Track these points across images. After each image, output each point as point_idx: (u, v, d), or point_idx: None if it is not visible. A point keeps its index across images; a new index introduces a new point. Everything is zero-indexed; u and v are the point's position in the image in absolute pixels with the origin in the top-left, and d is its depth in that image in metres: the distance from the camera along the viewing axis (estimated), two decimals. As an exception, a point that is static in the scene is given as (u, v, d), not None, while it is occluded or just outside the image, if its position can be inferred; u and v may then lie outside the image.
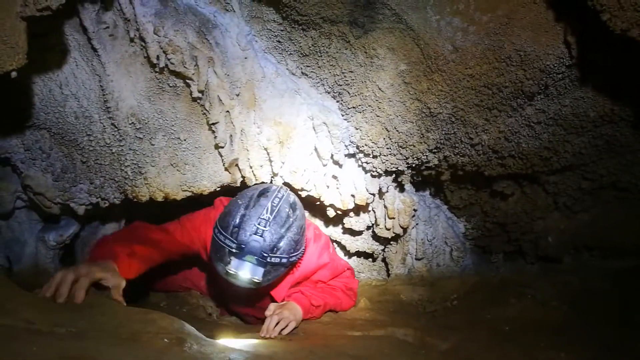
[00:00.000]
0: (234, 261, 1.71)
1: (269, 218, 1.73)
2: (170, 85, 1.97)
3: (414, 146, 1.99)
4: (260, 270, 1.72)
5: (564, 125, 1.91)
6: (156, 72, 1.93)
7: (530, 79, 1.71)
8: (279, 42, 1.89)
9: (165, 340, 1.25)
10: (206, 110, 1.95)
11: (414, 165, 2.13)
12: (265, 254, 1.71)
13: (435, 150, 2.04)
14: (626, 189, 2.19)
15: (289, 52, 1.91)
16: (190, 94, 1.95)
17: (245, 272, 1.71)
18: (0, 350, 0.94)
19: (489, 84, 1.75)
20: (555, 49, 1.62)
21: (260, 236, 1.71)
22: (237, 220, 1.73)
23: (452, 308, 2.49)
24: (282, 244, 1.75)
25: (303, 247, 1.91)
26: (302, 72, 1.95)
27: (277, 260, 1.75)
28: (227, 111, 1.93)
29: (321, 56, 1.87)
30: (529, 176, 2.21)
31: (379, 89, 1.86)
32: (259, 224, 1.71)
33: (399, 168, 2.11)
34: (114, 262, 1.73)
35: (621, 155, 2.03)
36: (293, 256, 1.82)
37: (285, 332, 1.85)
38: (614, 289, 2.39)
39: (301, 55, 1.90)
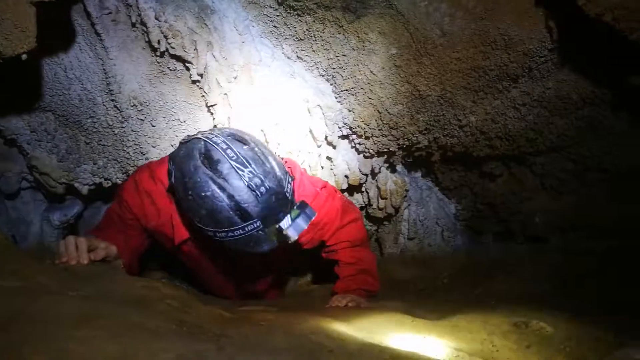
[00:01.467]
0: (270, 230, 1.48)
1: (250, 176, 1.44)
2: (171, 68, 2.05)
3: (405, 127, 2.08)
4: (291, 211, 1.50)
5: (548, 107, 2.00)
6: (157, 56, 2.01)
7: (514, 62, 1.80)
8: (275, 27, 1.97)
9: (169, 303, 1.34)
10: (205, 92, 2.04)
11: (404, 146, 2.22)
12: (282, 196, 1.48)
13: (425, 132, 2.12)
14: (608, 171, 2.28)
15: (284, 37, 1.99)
16: (190, 77, 2.04)
17: (290, 229, 1.49)
18: (28, 307, 1.04)
19: (476, 67, 1.84)
20: (537, 33, 1.71)
21: (266, 194, 1.44)
22: (231, 209, 1.43)
23: (442, 286, 2.59)
24: (277, 173, 1.50)
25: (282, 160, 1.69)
26: (297, 56, 2.03)
27: (289, 189, 1.54)
28: (225, 93, 2.01)
29: (315, 40, 1.95)
30: (516, 157, 2.30)
31: (371, 72, 1.94)
32: (250, 182, 1.43)
33: (390, 149, 2.20)
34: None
35: (603, 137, 2.12)
36: (288, 175, 1.58)
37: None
38: (597, 267, 2.48)
39: (296, 40, 1.98)
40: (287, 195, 1.51)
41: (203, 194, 1.43)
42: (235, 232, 1.46)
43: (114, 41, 1.98)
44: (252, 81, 2.02)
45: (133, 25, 1.96)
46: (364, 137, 2.18)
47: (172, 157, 1.57)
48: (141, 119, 2.15)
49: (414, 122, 2.07)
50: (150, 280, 1.50)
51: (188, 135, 1.58)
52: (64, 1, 1.62)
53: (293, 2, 1.85)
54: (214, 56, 1.97)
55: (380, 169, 2.38)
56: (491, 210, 2.66)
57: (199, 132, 1.61)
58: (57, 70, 2.03)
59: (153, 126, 2.18)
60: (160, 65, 2.05)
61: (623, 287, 2.21)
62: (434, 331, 1.78)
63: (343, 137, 2.25)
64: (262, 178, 1.44)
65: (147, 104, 2.11)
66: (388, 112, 2.04)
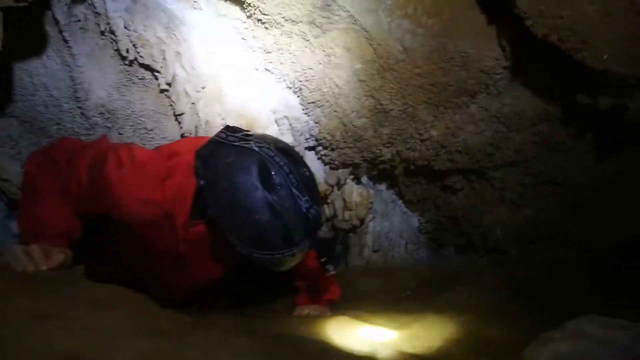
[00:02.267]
0: (302, 254, 1.45)
1: (306, 195, 1.38)
2: (139, 77, 2.07)
3: (369, 140, 2.15)
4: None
5: (505, 122, 2.09)
6: (126, 64, 2.03)
7: (472, 78, 1.89)
8: (243, 39, 2.02)
9: (129, 305, 1.34)
10: (173, 101, 2.06)
11: (369, 159, 2.28)
12: (321, 222, 1.47)
13: (388, 145, 2.19)
14: (562, 184, 2.39)
15: (252, 49, 2.04)
16: (158, 86, 2.06)
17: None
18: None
19: (436, 82, 1.92)
20: (492, 52, 1.80)
21: (316, 219, 1.40)
22: (281, 234, 1.37)
23: (405, 297, 2.64)
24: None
25: None
26: (265, 68, 2.08)
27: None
28: (193, 103, 2.04)
29: (283, 53, 2.01)
30: (476, 171, 2.39)
31: (337, 85, 2.00)
32: (307, 213, 1.38)
33: (355, 161, 2.26)
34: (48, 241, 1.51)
35: (557, 153, 2.23)
36: None
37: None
38: (552, 277, 2.58)
39: (264, 52, 2.03)
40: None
41: (257, 217, 1.35)
42: (273, 255, 1.40)
43: (82, 49, 1.99)
44: (220, 91, 2.05)
45: (102, 33, 1.98)
46: (329, 149, 2.23)
47: (210, 160, 1.44)
48: (108, 127, 2.15)
49: (377, 135, 2.13)
50: (110, 285, 1.49)
51: (225, 132, 1.47)
52: (32, 7, 1.63)
53: (261, 15, 1.90)
54: (182, 66, 2.00)
55: (345, 180, 2.43)
56: (453, 223, 2.73)
57: (240, 133, 1.47)
58: (22, 75, 2.02)
59: (120, 134, 2.18)
60: (129, 74, 2.07)
61: (577, 295, 2.31)
62: (393, 338, 1.82)
63: (310, 148, 2.30)
64: (317, 208, 1.40)
65: (115, 112, 2.12)
66: (353, 125, 2.10)
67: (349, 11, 1.83)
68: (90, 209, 1.55)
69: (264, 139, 1.44)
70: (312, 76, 2.03)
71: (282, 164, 1.37)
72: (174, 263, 1.75)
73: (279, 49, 2.01)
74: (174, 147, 1.61)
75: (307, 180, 1.41)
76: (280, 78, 2.10)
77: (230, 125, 1.55)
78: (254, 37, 2.01)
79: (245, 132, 1.49)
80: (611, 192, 2.36)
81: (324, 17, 1.86)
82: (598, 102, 1.70)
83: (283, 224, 1.35)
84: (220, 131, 1.50)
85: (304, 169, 1.43)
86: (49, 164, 1.53)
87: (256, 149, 1.39)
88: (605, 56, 1.48)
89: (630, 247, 2.52)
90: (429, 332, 1.91)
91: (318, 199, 1.44)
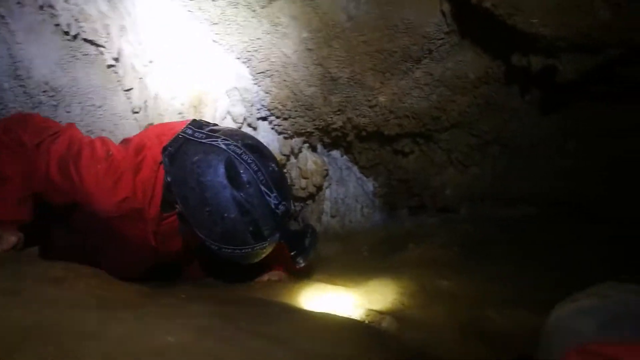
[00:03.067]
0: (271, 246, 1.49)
1: (275, 192, 1.41)
2: (84, 53, 2.03)
3: (319, 108, 2.19)
4: None
5: (449, 86, 2.18)
6: (68, 39, 1.98)
7: (415, 44, 1.95)
8: (190, 11, 2.00)
9: (87, 281, 1.36)
10: (120, 77, 2.04)
11: (320, 127, 2.33)
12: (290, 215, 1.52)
13: (338, 112, 2.24)
14: (506, 144, 2.52)
15: (199, 21, 2.03)
16: (105, 61, 2.02)
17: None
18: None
19: (381, 49, 1.97)
20: (433, 17, 1.86)
21: (282, 215, 1.44)
22: (249, 231, 1.41)
23: (362, 259, 2.75)
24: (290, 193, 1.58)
25: None
26: (212, 40, 2.07)
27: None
28: (141, 78, 2.02)
29: (230, 24, 2.00)
30: (424, 135, 2.48)
31: (285, 55, 2.03)
32: (275, 209, 1.42)
33: (307, 129, 2.31)
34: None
35: (499, 113, 2.34)
36: None
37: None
38: (501, 234, 2.74)
39: (211, 24, 2.02)
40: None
41: (225, 215, 1.37)
42: (242, 250, 1.43)
43: (20, 24, 1.93)
44: (168, 65, 2.04)
45: (40, 8, 1.92)
46: (281, 119, 2.26)
47: (177, 157, 1.45)
48: (54, 105, 2.11)
49: (327, 103, 2.18)
50: (67, 263, 1.51)
51: (191, 128, 1.48)
52: (-38, -18, 1.57)
53: (206, -14, 1.89)
54: (128, 41, 1.98)
55: (300, 149, 2.48)
56: (405, 185, 2.84)
57: (207, 128, 1.50)
58: (-43, 55, 1.95)
59: (67, 112, 2.14)
60: (72, 50, 2.02)
61: (523, 251, 2.46)
62: (350, 295, 1.92)
63: (262, 118, 2.33)
64: (286, 204, 1.42)
65: (60, 89, 2.08)
66: (303, 94, 2.14)
67: (293, -20, 1.84)
68: (56, 198, 1.52)
69: (231, 135, 1.45)
70: (260, 46, 2.04)
71: (249, 161, 1.38)
72: (141, 249, 1.75)
73: (225, 20, 2.00)
74: (140, 140, 1.58)
75: (276, 176, 1.42)
76: (228, 49, 2.10)
77: (197, 119, 1.56)
78: (200, 9, 1.99)
79: (212, 128, 1.50)
80: (550, 149, 2.51)
81: (269, -13, 1.87)
82: (531, 63, 1.80)
83: (252, 220, 1.38)
84: (187, 126, 1.50)
85: (273, 165, 1.44)
86: (15, 145, 1.47)
87: (223, 146, 1.40)
88: (535, 20, 1.56)
89: (569, 203, 2.69)
90: (385, 287, 2.02)
91: (287, 194, 1.46)
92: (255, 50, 2.06)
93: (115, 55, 1.99)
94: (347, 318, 1.60)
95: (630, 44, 1.62)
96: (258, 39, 2.02)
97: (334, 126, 2.34)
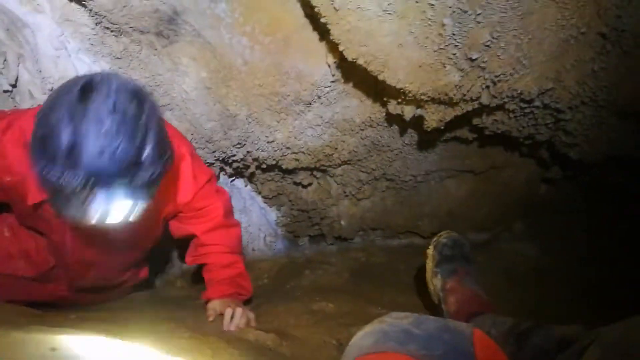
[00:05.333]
0: (90, 199, 1.21)
1: (112, 127, 1.19)
2: (-21, 78, 2.04)
3: (219, 142, 2.33)
4: (129, 199, 1.26)
5: (339, 128, 2.40)
6: (-38, 64, 1.98)
7: (305, 90, 2.15)
8: (92, 44, 2.09)
9: None
10: (17, 103, 2.06)
11: (221, 159, 2.47)
12: (126, 177, 1.23)
13: (238, 146, 2.40)
14: (392, 180, 2.79)
15: (102, 55, 2.11)
16: (1, 86, 2.04)
17: (111, 209, 1.25)
18: None
19: (275, 92, 2.16)
20: (320, 68, 2.09)
21: (112, 156, 1.19)
22: (66, 141, 1.17)
23: (262, 285, 2.89)
24: (143, 156, 1.25)
25: (170, 150, 1.39)
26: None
27: (146, 177, 1.27)
28: (39, 105, 2.05)
29: (132, 60, 2.11)
30: (320, 169, 2.69)
31: (185, 91, 2.16)
32: (104, 140, 1.19)
33: (208, 160, 2.43)
34: None
35: (384, 153, 2.60)
36: (162, 165, 1.32)
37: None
38: (388, 261, 2.99)
39: (114, 58, 2.12)
40: (141, 176, 1.25)
41: (51, 114, 1.22)
42: (52, 169, 1.19)
43: None
44: (69, 95, 2.09)
45: None
46: (182, 150, 2.37)
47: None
48: (-56, 128, 2.08)
49: (227, 137, 2.32)
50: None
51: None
52: None
53: (109, 24, 1.99)
54: (26, 68, 2.02)
55: (201, 179, 2.59)
56: (306, 215, 3.03)
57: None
58: None
59: (-41, 135, 2.11)
60: (-33, 74, 2.02)
61: (407, 276, 2.71)
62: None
63: (163, 149, 2.41)
64: (129, 150, 1.21)
65: (-48, 112, 2.05)
66: (203, 127, 2.27)
67: (193, 26, 1.99)
68: None
69: (118, 77, 1.33)
70: (161, 82, 2.16)
71: (113, 86, 1.24)
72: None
73: (128, 56, 2.11)
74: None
75: (132, 121, 1.23)
76: (131, 83, 2.19)
77: None
78: (102, 43, 2.08)
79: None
80: (430, 184, 2.82)
81: (170, 30, 2.01)
82: (404, 112, 2.06)
83: (74, 132, 1.18)
84: None
85: (137, 109, 1.25)
86: None
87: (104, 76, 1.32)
88: (401, 77, 1.82)
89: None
90: (276, 308, 2.18)
91: (141, 148, 1.24)
92: (157, 85, 2.17)
93: (12, 82, 2.01)
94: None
95: (478, 100, 1.93)
96: (159, 74, 2.14)
97: (235, 158, 2.49)
